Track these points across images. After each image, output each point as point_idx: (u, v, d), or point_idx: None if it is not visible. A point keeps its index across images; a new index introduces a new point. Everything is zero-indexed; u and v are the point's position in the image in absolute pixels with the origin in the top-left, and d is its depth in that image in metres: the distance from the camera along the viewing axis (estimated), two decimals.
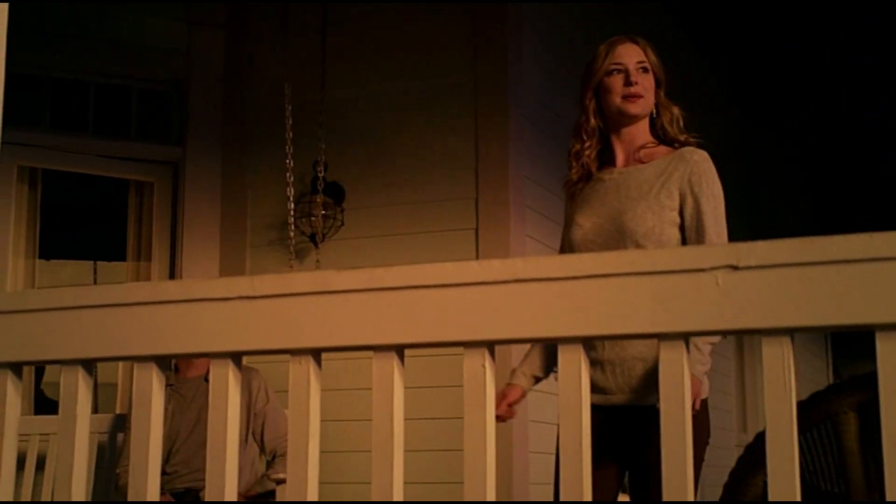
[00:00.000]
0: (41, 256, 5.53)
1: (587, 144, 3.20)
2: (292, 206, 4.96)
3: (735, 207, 9.34)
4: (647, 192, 3.05)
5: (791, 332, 1.71)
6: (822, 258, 1.68)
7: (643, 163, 3.13)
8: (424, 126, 5.35)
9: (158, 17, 5.68)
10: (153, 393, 2.08)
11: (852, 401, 2.06)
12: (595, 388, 3.00)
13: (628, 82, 3.13)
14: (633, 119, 3.16)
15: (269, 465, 4.49)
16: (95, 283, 6.28)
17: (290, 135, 4.87)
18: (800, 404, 1.97)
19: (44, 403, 5.43)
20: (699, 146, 3.17)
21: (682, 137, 3.17)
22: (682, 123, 3.21)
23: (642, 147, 3.17)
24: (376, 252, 5.29)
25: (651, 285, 1.75)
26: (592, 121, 3.20)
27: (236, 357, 2.01)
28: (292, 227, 4.96)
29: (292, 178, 4.98)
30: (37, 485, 4.71)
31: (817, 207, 12.07)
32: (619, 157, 3.20)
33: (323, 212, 5.24)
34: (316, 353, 1.97)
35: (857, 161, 10.92)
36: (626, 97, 3.13)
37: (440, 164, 5.27)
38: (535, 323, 1.83)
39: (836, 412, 2.06)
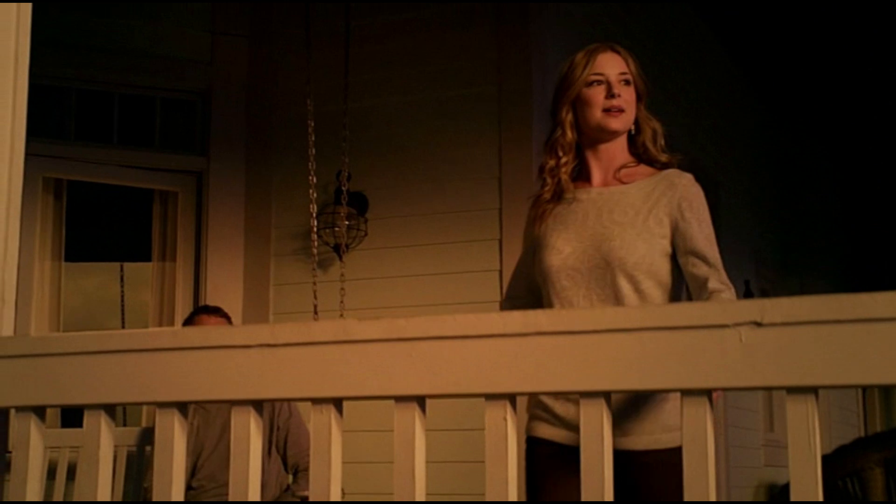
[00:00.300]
0: (67, 268, 5.56)
1: (563, 160, 2.94)
2: (315, 220, 4.95)
3: (765, 212, 9.30)
4: (635, 216, 2.83)
5: (816, 390, 1.69)
6: (848, 316, 1.66)
7: (623, 183, 2.91)
8: (448, 136, 5.34)
9: (182, 27, 5.69)
10: (175, 439, 2.08)
11: (879, 457, 2.04)
12: (570, 427, 2.80)
13: (610, 94, 2.90)
14: (614, 135, 2.93)
15: (294, 478, 4.50)
16: (122, 293, 6.28)
17: (313, 151, 4.87)
18: (825, 458, 1.95)
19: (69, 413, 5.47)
20: (681, 166, 2.98)
21: (663, 157, 2.96)
22: (663, 141, 3.00)
23: (623, 167, 2.94)
24: (400, 262, 5.29)
25: (674, 340, 1.74)
26: (570, 135, 2.95)
27: (258, 404, 2.01)
28: (315, 239, 4.95)
29: (315, 195, 4.97)
30: (68, 495, 4.75)
31: (850, 208, 11.97)
32: (596, 176, 2.96)
33: (346, 222, 5.24)
34: (338, 402, 1.97)
35: (891, 161, 10.83)
36: (607, 111, 2.90)
37: (464, 175, 5.26)
38: (558, 376, 1.82)
39: (862, 467, 2.04)
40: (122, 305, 6.22)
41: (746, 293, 8.50)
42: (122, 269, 6.37)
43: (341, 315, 5.16)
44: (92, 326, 7.16)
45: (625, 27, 6.52)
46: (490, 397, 1.86)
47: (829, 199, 10.78)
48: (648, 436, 2.79)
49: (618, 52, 2.96)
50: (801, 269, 10.28)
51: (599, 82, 2.89)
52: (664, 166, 2.94)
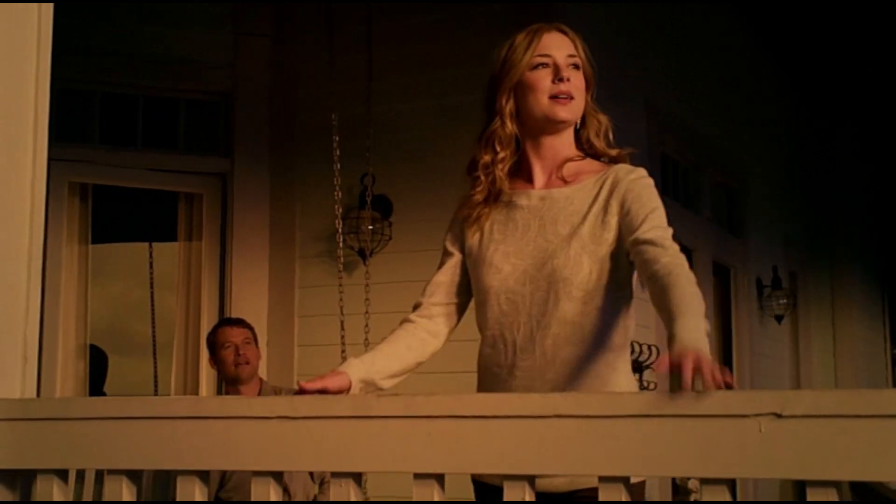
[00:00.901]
0: (94, 273, 5.59)
1: (500, 156, 2.53)
2: (340, 225, 4.93)
3: (794, 196, 9.21)
4: (580, 225, 2.43)
5: (838, 484, 1.68)
6: (869, 412, 1.65)
7: (567, 182, 2.51)
8: (472, 140, 5.30)
9: (204, 30, 5.67)
10: None
11: None
12: None
13: (558, 79, 2.48)
14: (560, 126, 2.52)
15: (319, 489, 4.53)
16: (152, 297, 6.29)
17: (338, 153, 4.84)
18: None
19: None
20: (632, 161, 2.59)
21: (612, 152, 2.57)
22: (610, 136, 2.59)
23: (567, 161, 2.54)
24: (424, 267, 5.20)
25: (694, 429, 1.73)
26: (509, 126, 2.53)
27: (277, 476, 2.01)
28: (340, 245, 4.94)
29: (340, 197, 4.96)
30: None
31: (881, 191, 11.84)
32: (538, 176, 2.55)
33: (370, 227, 5.23)
34: (356, 477, 1.97)
35: None
36: (555, 97, 2.47)
37: None
38: (576, 460, 1.82)
39: None
40: (153, 311, 6.24)
41: (774, 279, 8.44)
42: (151, 274, 6.39)
43: (366, 312, 5.15)
44: (119, 332, 7.20)
45: (651, 22, 6.46)
46: (509, 478, 1.86)
47: (860, 182, 10.69)
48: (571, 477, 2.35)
49: (565, 33, 2.56)
50: (831, 252, 10.22)
51: (545, 65, 2.48)
52: (613, 161, 2.55)
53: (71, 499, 2.22)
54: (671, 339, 1.97)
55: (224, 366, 4.52)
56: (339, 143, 5.08)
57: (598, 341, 2.39)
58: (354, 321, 5.15)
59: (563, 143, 2.54)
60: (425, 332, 2.56)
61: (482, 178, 2.55)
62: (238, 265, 5.58)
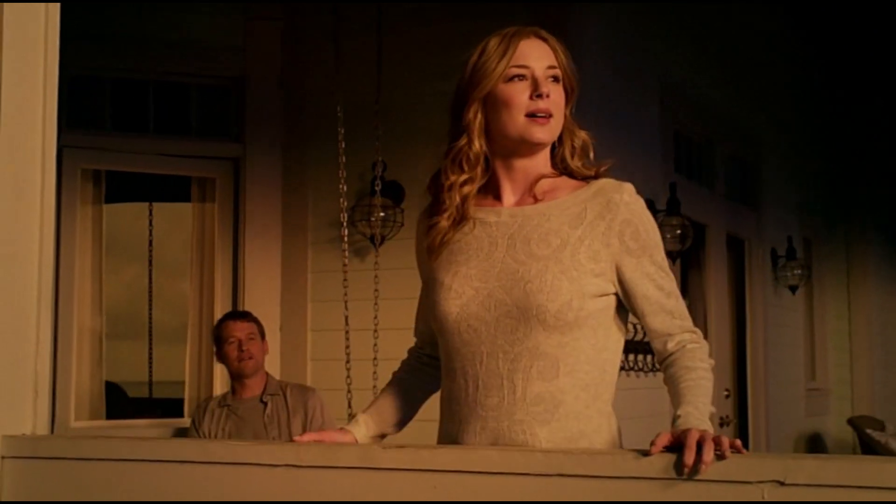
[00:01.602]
0: (108, 258, 5.61)
1: (466, 177, 2.22)
2: (345, 215, 4.90)
3: (810, 162, 9.14)
4: (561, 248, 2.13)
5: None
6: (872, 483, 1.65)
7: (539, 200, 2.22)
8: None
9: (215, 14, 5.64)
10: None
11: None
12: None
13: (536, 94, 2.17)
14: (536, 148, 2.22)
15: None
16: (150, 277, 6.29)
17: (343, 146, 4.81)
18: None
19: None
20: (607, 172, 2.29)
21: (589, 171, 2.27)
22: (590, 154, 2.30)
23: (540, 177, 2.24)
24: None
25: (698, 494, 1.74)
26: (477, 144, 2.22)
27: None
28: (345, 237, 4.91)
29: (345, 189, 4.93)
30: None
31: None
32: (507, 195, 2.25)
33: (382, 213, 5.22)
34: None
35: None
36: (532, 115, 2.17)
37: None
38: None
39: None
40: (150, 294, 6.24)
41: (789, 249, 8.43)
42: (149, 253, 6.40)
43: (375, 298, 5.15)
44: (134, 317, 7.24)
45: (664, 23, 6.39)
46: None
47: (877, 149, 10.59)
48: None
49: (545, 40, 2.25)
50: (847, 219, 10.17)
51: (521, 77, 2.18)
52: (592, 178, 2.26)
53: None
54: (675, 420, 1.95)
55: (228, 361, 4.53)
56: (349, 128, 5.05)
57: (576, 378, 2.10)
58: (365, 307, 5.15)
59: (538, 163, 2.25)
60: (431, 368, 2.39)
61: (447, 200, 2.24)
62: (251, 250, 5.58)
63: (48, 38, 2.45)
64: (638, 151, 6.08)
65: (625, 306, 2.20)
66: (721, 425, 7.28)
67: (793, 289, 8.52)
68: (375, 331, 4.97)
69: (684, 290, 7.16)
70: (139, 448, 2.15)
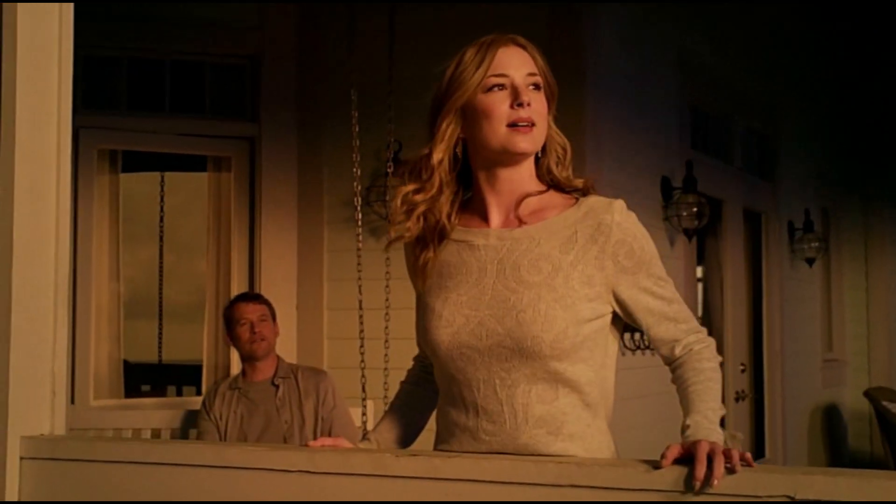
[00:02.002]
0: (125, 239, 5.64)
1: (441, 196, 2.17)
2: (359, 199, 4.88)
3: (828, 130, 9.07)
4: (553, 274, 2.07)
5: None
6: (882, 498, 1.66)
7: (526, 222, 2.15)
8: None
9: None
10: None
11: None
12: None
13: (517, 103, 2.10)
14: (520, 158, 2.15)
15: None
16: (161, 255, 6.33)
17: (356, 129, 4.78)
18: None
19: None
20: (594, 188, 2.21)
21: (577, 183, 2.19)
22: (568, 160, 2.22)
23: (525, 196, 2.16)
24: None
25: None
26: (437, 156, 2.16)
27: None
28: (359, 217, 4.88)
29: (359, 175, 4.91)
30: None
31: None
32: (494, 213, 2.18)
33: None
34: None
35: None
36: (514, 125, 2.10)
37: None
38: None
39: None
40: (160, 272, 6.26)
41: (806, 222, 8.40)
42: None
43: (386, 277, 5.15)
44: (152, 296, 7.27)
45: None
46: None
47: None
48: None
49: (523, 47, 2.18)
50: (865, 189, 10.12)
51: (501, 87, 2.11)
52: (579, 191, 2.19)
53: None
54: (684, 429, 1.96)
55: (239, 343, 4.48)
56: (363, 109, 5.01)
57: (576, 398, 2.08)
58: (380, 286, 5.15)
59: (523, 175, 2.17)
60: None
61: (415, 221, 2.17)
62: (267, 228, 5.60)
63: (62, 20, 2.46)
64: (654, 128, 6.07)
65: (619, 319, 2.17)
66: (737, 400, 7.29)
67: (810, 261, 8.50)
68: (387, 312, 4.95)
69: (700, 263, 7.17)
70: (154, 451, 2.17)
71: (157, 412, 4.94)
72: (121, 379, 5.50)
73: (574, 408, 2.09)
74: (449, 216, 2.19)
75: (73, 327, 5.11)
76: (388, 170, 5.23)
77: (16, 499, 2.26)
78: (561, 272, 2.08)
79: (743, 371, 7.48)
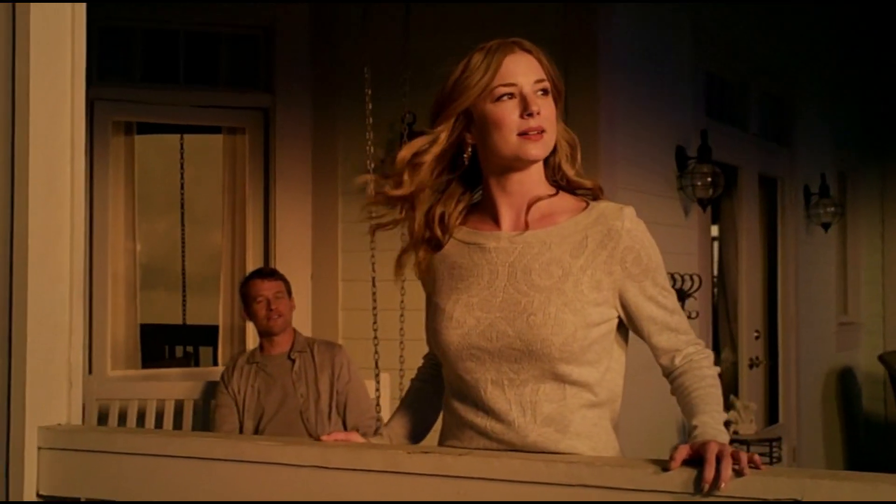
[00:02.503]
0: (140, 211, 5.66)
1: (456, 206, 2.24)
2: (372, 171, 4.87)
3: (846, 94, 9.02)
4: (563, 278, 2.10)
5: None
6: (887, 498, 1.67)
7: (537, 226, 2.19)
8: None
9: None
10: None
11: None
12: None
13: (527, 112, 2.11)
14: (531, 164, 2.18)
15: None
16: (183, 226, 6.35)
17: (370, 107, 4.77)
18: None
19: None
20: (601, 192, 2.26)
21: (587, 183, 2.23)
22: (578, 158, 2.25)
23: (536, 199, 2.20)
24: None
25: None
26: (432, 161, 2.19)
27: None
28: (372, 187, 4.87)
29: (372, 152, 4.90)
30: None
31: None
32: (505, 215, 2.21)
33: None
34: None
35: None
36: (524, 134, 2.11)
37: None
38: None
39: None
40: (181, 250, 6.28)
41: (822, 186, 8.37)
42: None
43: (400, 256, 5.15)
44: (167, 267, 7.29)
45: None
46: None
47: None
48: None
49: (529, 52, 2.19)
50: (883, 153, 10.06)
51: (510, 95, 2.13)
52: (590, 195, 2.24)
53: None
54: (692, 430, 1.97)
55: (256, 319, 4.54)
56: (377, 80, 4.99)
57: (583, 399, 2.11)
58: (392, 257, 5.16)
59: (532, 178, 2.19)
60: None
61: (435, 231, 2.22)
62: (282, 199, 5.62)
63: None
64: (669, 97, 6.05)
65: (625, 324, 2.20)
66: (751, 367, 7.31)
67: (825, 226, 8.48)
68: (402, 286, 4.95)
69: (716, 223, 7.17)
70: (171, 444, 2.20)
71: (179, 383, 5.02)
72: (138, 349, 5.55)
73: (581, 407, 2.11)
74: (443, 220, 2.23)
75: (89, 299, 5.14)
76: (404, 141, 5.23)
77: (34, 489, 2.30)
78: (571, 276, 2.11)
79: (757, 338, 7.50)
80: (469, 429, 2.15)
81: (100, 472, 2.26)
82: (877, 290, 10.07)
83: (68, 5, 2.43)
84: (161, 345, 6.95)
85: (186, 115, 5.63)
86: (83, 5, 2.47)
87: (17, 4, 2.38)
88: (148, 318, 6.02)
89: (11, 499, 2.31)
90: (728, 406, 6.09)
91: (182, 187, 6.76)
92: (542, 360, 2.07)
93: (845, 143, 9.35)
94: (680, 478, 1.79)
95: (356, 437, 2.21)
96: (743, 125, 7.30)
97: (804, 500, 1.70)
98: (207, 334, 6.28)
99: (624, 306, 2.14)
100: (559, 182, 2.24)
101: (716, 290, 7.34)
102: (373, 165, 4.80)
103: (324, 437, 2.16)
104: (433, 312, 2.23)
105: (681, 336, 2.16)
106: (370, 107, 4.60)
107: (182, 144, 6.76)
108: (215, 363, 5.80)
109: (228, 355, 5.63)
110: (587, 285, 2.11)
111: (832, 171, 8.81)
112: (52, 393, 2.36)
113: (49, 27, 2.39)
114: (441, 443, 2.22)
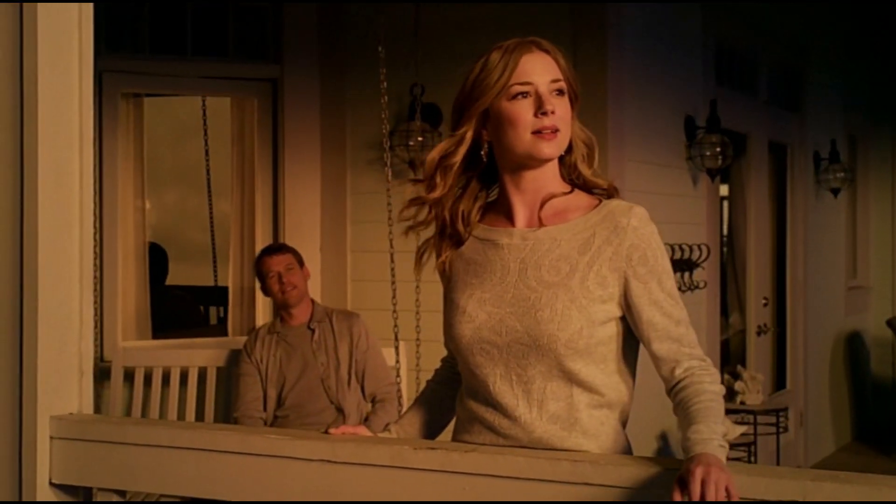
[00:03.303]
0: (150, 182, 5.67)
1: (450, 196, 2.24)
2: (388, 140, 4.86)
3: (858, 57, 8.93)
4: (570, 275, 2.12)
5: None
6: (889, 499, 1.70)
7: (543, 224, 2.20)
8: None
9: None
10: None
11: None
12: None
13: (541, 111, 2.13)
14: (545, 162, 2.20)
15: (373, 407, 4.68)
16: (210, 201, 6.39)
17: (385, 85, 4.75)
18: None
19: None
20: (617, 191, 2.26)
21: (602, 182, 2.25)
22: (595, 157, 2.26)
23: (550, 196, 2.21)
24: None
25: None
26: (458, 162, 2.22)
27: None
28: (388, 159, 4.87)
29: (387, 121, 4.90)
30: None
31: None
32: (519, 212, 2.23)
33: (420, 138, 5.24)
34: None
35: None
36: (539, 133, 2.14)
37: None
38: None
39: None
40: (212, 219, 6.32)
41: (832, 152, 8.34)
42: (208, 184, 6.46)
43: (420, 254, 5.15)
44: (177, 239, 7.31)
45: None
46: None
47: None
48: None
49: (547, 52, 2.18)
50: (894, 115, 10.00)
51: (525, 94, 2.14)
52: (605, 194, 2.25)
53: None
54: (684, 443, 1.89)
55: (272, 294, 4.68)
56: (388, 49, 5.00)
57: (589, 397, 2.12)
58: (400, 228, 5.17)
59: (547, 175, 2.21)
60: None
61: (460, 226, 2.25)
62: (291, 171, 5.63)
63: None
64: (678, 66, 6.03)
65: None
66: (759, 334, 7.33)
67: (835, 192, 8.46)
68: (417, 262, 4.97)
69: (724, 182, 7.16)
70: (181, 437, 2.23)
71: (203, 351, 5.11)
72: (149, 320, 5.59)
73: (588, 406, 2.10)
74: (465, 217, 2.25)
75: (100, 269, 5.17)
76: (417, 113, 5.23)
77: (47, 477, 2.33)
78: (578, 273, 2.12)
79: (765, 305, 7.51)
80: (478, 423, 2.16)
81: (111, 463, 2.30)
82: (886, 253, 10.06)
83: None
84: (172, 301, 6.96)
85: (195, 87, 5.63)
86: None
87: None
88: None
89: (25, 486, 2.34)
90: (735, 376, 6.11)
91: (207, 151, 6.73)
92: (549, 356, 2.09)
93: (856, 107, 9.31)
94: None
95: (363, 431, 2.24)
96: (753, 92, 7.27)
97: (806, 500, 1.73)
98: (219, 295, 6.37)
99: (628, 306, 2.13)
100: (575, 181, 2.24)
101: (725, 250, 7.35)
102: (387, 129, 4.76)
103: (332, 431, 2.18)
104: (448, 307, 2.25)
105: (683, 348, 2.11)
106: (385, 85, 4.58)
107: (200, 110, 6.73)
108: (225, 312, 5.85)
109: (239, 323, 5.68)
110: (593, 282, 2.11)
111: (842, 134, 8.78)
112: (64, 382, 2.39)
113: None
114: (453, 438, 2.23)
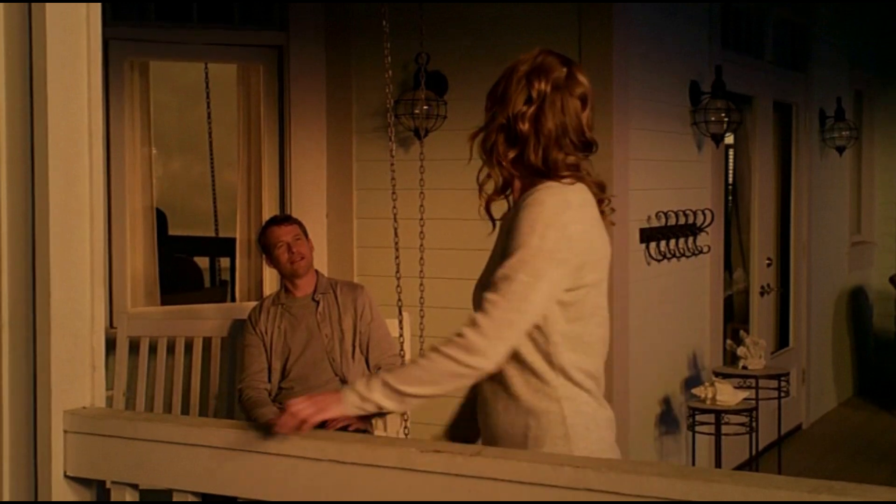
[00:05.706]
0: (157, 150, 5.68)
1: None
2: (391, 109, 4.84)
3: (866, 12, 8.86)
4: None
5: None
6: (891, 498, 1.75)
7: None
8: (527, 17, 5.25)
9: None
10: None
11: None
12: None
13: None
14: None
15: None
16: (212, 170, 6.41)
17: (389, 60, 4.72)
18: None
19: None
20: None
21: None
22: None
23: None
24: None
25: None
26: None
27: None
28: (392, 129, 4.87)
29: (391, 90, 4.88)
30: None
31: None
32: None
33: (426, 106, 5.24)
34: None
35: None
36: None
37: None
38: None
39: None
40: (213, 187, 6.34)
41: (837, 110, 8.33)
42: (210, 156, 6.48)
43: (421, 193, 5.17)
44: (183, 208, 7.34)
45: None
46: None
47: None
48: None
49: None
50: None
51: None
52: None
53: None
54: None
55: (280, 264, 4.64)
56: (393, 17, 4.98)
57: (523, 366, 2.38)
58: (409, 196, 5.19)
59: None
60: None
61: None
62: (297, 138, 5.64)
63: None
64: (684, 31, 6.02)
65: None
66: (762, 294, 7.37)
67: (840, 150, 8.47)
68: (421, 219, 4.96)
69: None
70: (192, 434, 2.28)
71: (207, 322, 5.14)
72: (157, 286, 5.63)
73: (517, 375, 2.38)
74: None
75: (108, 236, 5.21)
76: (421, 80, 5.23)
77: (62, 470, 2.38)
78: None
79: (769, 265, 7.54)
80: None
81: (124, 458, 2.35)
82: (891, 209, 10.06)
83: None
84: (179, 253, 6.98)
85: (201, 54, 5.63)
86: None
87: None
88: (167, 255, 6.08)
89: (41, 478, 2.40)
90: (738, 341, 6.16)
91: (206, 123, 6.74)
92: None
93: (863, 63, 9.27)
94: (687, 486, 1.86)
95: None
96: (758, 53, 7.25)
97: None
98: (226, 246, 6.44)
99: None
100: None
101: (730, 206, 7.37)
102: (391, 102, 4.74)
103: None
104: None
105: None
106: (389, 59, 4.57)
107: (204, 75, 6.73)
108: (233, 299, 5.88)
109: (245, 292, 5.73)
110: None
111: (848, 91, 8.76)
112: (77, 377, 2.43)
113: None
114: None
